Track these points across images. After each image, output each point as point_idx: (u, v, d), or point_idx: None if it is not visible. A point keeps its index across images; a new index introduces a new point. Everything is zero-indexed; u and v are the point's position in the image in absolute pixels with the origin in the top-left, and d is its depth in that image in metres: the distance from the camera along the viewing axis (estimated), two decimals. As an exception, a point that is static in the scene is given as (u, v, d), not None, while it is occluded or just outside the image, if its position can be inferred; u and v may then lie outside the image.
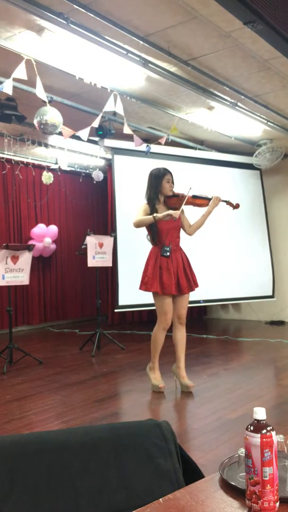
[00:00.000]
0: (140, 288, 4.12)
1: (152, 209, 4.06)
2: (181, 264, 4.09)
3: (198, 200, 4.17)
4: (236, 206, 4.37)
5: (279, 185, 8.19)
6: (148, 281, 4.03)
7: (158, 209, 4.09)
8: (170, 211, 3.95)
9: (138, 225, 4.04)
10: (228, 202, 4.33)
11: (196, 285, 4.17)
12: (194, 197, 4.15)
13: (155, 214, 3.97)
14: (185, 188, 4.10)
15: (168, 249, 4.01)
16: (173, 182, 4.13)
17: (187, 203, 4.12)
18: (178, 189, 4.20)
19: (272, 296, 7.84)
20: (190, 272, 4.14)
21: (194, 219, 4.23)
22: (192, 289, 4.13)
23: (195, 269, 4.25)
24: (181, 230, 4.20)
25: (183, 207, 4.09)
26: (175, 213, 3.93)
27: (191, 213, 4.29)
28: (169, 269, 4.01)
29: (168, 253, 4.00)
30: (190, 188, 4.05)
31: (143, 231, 4.18)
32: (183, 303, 4.13)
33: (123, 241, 6.71)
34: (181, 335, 4.16)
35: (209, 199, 4.20)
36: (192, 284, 4.12)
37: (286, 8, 3.04)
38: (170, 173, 4.14)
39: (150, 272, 4.04)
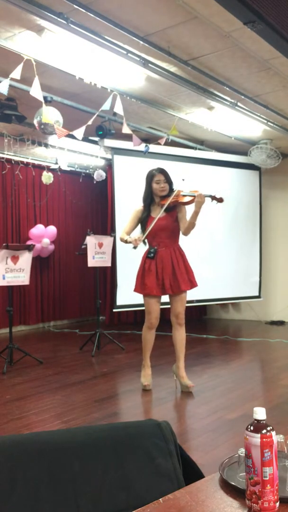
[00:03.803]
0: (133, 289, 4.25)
1: (148, 210, 4.11)
2: (169, 264, 4.05)
3: (184, 198, 3.99)
4: (220, 200, 4.07)
5: (279, 184, 8.19)
6: (135, 282, 4.17)
7: (152, 210, 4.13)
8: (132, 238, 3.94)
9: (120, 240, 4.12)
10: (213, 197, 4.06)
11: (190, 285, 4.08)
12: (182, 195, 4.00)
13: (126, 237, 4.01)
14: (178, 183, 4.06)
15: (152, 250, 4.06)
16: (167, 182, 4.06)
17: (176, 203, 4.03)
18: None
19: (258, 296, 7.87)
20: (181, 272, 4.05)
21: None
22: (179, 289, 4.03)
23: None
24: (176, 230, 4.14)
25: (187, 205, 4.05)
26: (136, 242, 3.89)
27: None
28: (151, 270, 4.06)
29: (152, 255, 4.05)
30: (183, 180, 4.00)
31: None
32: (178, 303, 4.12)
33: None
34: (180, 336, 4.15)
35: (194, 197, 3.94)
36: (180, 284, 4.02)
37: (286, 8, 3.04)
38: (163, 173, 4.06)
39: (138, 273, 4.16)
